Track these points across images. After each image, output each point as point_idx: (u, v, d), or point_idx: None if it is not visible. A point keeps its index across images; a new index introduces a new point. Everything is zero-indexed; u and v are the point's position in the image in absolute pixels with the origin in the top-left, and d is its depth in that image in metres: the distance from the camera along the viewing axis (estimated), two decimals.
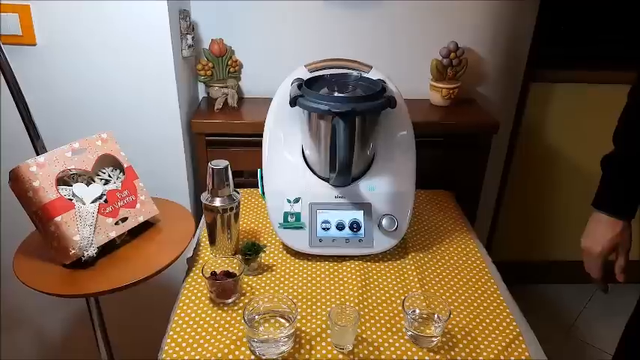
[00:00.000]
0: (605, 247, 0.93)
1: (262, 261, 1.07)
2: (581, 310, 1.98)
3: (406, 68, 1.51)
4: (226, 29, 1.45)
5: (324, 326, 0.90)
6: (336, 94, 1.05)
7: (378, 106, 1.01)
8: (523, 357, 0.86)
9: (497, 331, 0.91)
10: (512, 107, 1.68)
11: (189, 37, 1.34)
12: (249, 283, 1.02)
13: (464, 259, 1.12)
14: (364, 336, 0.88)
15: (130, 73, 1.25)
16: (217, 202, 1.02)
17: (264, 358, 0.83)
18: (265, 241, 1.14)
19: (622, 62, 1.63)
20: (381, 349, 0.86)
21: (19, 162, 0.91)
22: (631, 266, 0.97)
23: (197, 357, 0.84)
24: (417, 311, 0.92)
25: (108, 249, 0.98)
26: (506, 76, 1.60)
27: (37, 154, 0.99)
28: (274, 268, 1.06)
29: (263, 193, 1.12)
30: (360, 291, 0.99)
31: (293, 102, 1.03)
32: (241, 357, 0.84)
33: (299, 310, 0.93)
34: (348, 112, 0.96)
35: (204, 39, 1.46)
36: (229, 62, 1.45)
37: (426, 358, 0.85)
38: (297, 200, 1.09)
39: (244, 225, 1.21)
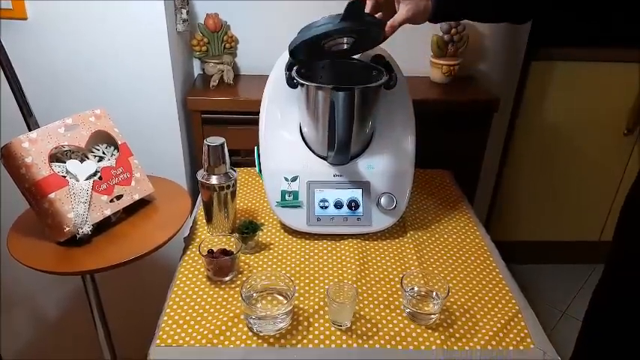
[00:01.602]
0: None
1: (260, 239, 1.06)
2: (579, 290, 1.99)
3: (406, 45, 1.48)
4: (221, 4, 1.42)
5: (322, 303, 0.90)
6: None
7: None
8: (522, 334, 0.85)
9: (496, 309, 0.91)
10: (512, 85, 1.66)
11: (183, 11, 1.31)
12: (247, 261, 1.01)
13: (462, 237, 1.11)
14: (362, 313, 0.88)
15: (124, 48, 1.22)
16: (214, 180, 1.00)
17: (261, 334, 0.83)
18: (263, 220, 1.14)
19: (623, 40, 1.62)
20: (379, 325, 0.86)
21: (11, 138, 0.89)
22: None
23: (194, 334, 0.83)
24: (416, 289, 0.92)
25: (103, 227, 0.97)
26: (507, 53, 1.58)
27: (30, 131, 0.97)
28: (272, 246, 1.05)
29: (260, 171, 1.11)
30: (359, 269, 0.98)
31: (290, 80, 1.01)
32: (239, 334, 0.83)
33: (297, 287, 0.92)
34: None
35: (199, 13, 1.42)
36: (225, 38, 1.42)
37: (425, 335, 0.84)
38: (294, 179, 1.08)
39: (241, 203, 1.20)
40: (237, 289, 0.92)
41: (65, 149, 0.95)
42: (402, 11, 0.95)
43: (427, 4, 0.94)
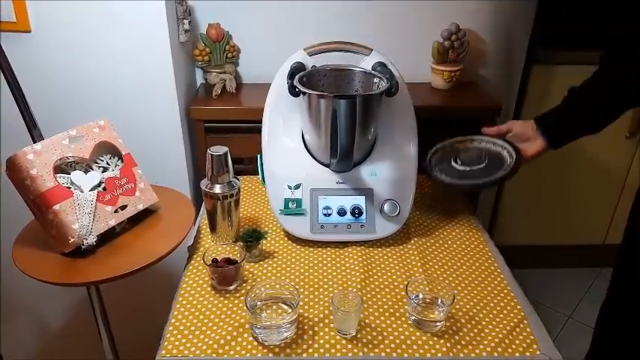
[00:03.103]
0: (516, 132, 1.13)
1: (263, 248, 1.06)
2: (584, 294, 1.98)
3: (407, 51, 1.49)
4: (223, 13, 1.42)
5: (327, 312, 0.89)
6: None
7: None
8: (528, 340, 0.85)
9: (501, 315, 0.91)
10: (514, 89, 1.66)
11: (185, 21, 1.32)
12: (251, 269, 1.01)
13: (467, 243, 1.11)
14: (367, 321, 0.88)
15: (127, 59, 1.23)
16: (217, 189, 1.01)
17: (266, 344, 0.83)
18: (266, 228, 1.14)
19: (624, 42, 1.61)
20: (385, 334, 0.86)
21: (16, 150, 0.89)
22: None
23: (199, 344, 0.83)
24: (421, 296, 0.91)
25: (108, 237, 0.97)
26: (508, 57, 1.58)
27: (34, 143, 0.98)
28: (276, 254, 1.05)
29: (263, 179, 1.11)
30: (363, 276, 0.98)
31: (292, 89, 1.02)
32: (244, 343, 0.83)
33: (301, 296, 0.92)
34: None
35: (201, 24, 1.43)
36: (227, 47, 1.43)
37: (430, 342, 0.84)
38: (297, 186, 1.08)
39: (245, 212, 1.20)
40: (242, 298, 0.92)
41: (69, 160, 0.96)
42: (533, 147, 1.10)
43: (542, 143, 1.09)
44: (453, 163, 1.14)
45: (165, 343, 0.84)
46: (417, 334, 0.86)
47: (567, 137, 1.08)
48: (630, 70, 0.96)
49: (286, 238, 1.10)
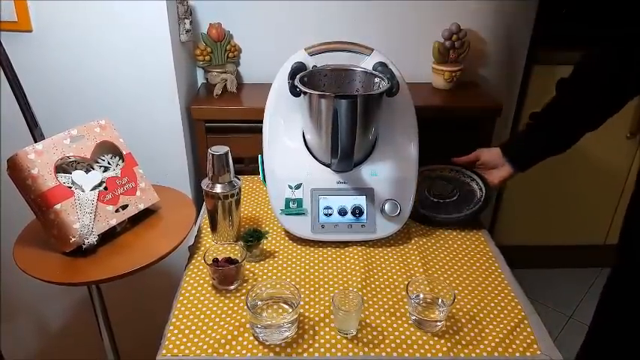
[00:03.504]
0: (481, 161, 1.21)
1: (264, 247, 1.06)
2: (585, 294, 1.98)
3: (407, 51, 1.49)
4: (224, 13, 1.42)
5: (327, 312, 0.90)
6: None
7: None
8: (528, 340, 0.85)
9: (502, 315, 0.91)
10: (515, 90, 1.66)
11: (186, 21, 1.32)
12: (252, 269, 1.01)
13: (467, 243, 1.11)
14: (368, 321, 0.88)
15: (128, 59, 1.23)
16: (218, 189, 1.01)
17: (267, 343, 0.83)
18: (267, 228, 1.14)
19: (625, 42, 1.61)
20: (385, 333, 0.86)
21: (17, 150, 0.90)
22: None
23: (200, 344, 0.83)
24: (421, 296, 0.92)
25: (109, 237, 0.97)
26: (509, 57, 1.58)
27: (35, 142, 0.98)
28: (276, 254, 1.06)
29: (264, 179, 1.11)
30: (364, 276, 0.98)
31: (293, 89, 1.02)
32: (245, 343, 0.83)
33: (302, 295, 0.92)
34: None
35: (202, 23, 1.43)
36: (228, 47, 1.43)
37: (431, 342, 0.84)
38: (298, 186, 1.08)
39: (246, 212, 1.20)
40: (243, 297, 0.92)
41: (70, 160, 0.96)
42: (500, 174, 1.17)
43: (509, 170, 1.16)
44: (426, 193, 1.21)
45: (166, 342, 0.84)
46: (418, 333, 0.86)
47: (533, 161, 1.14)
48: (624, 66, 0.97)
49: (287, 238, 1.10)
